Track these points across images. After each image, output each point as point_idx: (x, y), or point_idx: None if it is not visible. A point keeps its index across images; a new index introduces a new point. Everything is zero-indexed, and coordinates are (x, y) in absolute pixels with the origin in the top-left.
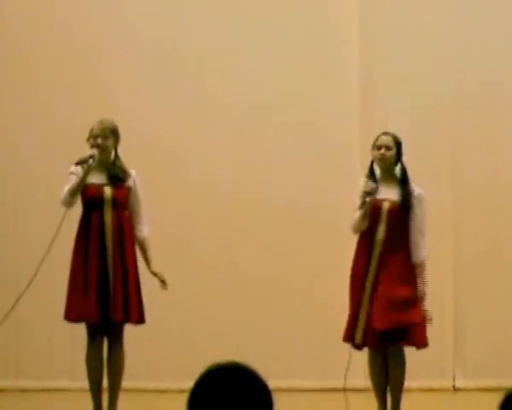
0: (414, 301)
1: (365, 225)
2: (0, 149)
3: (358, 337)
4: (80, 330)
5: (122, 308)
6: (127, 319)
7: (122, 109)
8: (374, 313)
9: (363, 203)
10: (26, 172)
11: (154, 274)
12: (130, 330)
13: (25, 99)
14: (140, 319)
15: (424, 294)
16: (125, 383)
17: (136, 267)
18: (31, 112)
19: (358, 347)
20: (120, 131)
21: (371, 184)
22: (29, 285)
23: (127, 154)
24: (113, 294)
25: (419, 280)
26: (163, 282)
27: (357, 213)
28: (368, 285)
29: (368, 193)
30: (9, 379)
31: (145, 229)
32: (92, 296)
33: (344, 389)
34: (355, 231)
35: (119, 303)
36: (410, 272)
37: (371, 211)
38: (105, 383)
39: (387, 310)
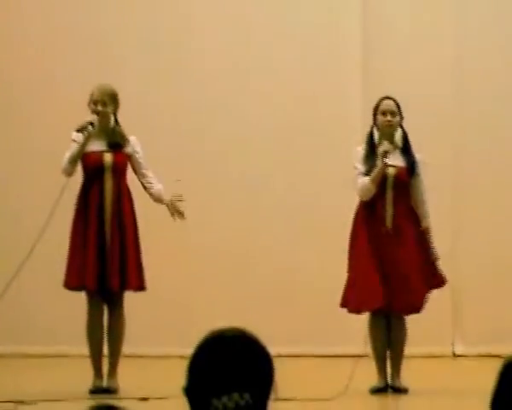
0: (428, 267)
1: (375, 189)
2: (5, 120)
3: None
4: (81, 297)
5: (119, 276)
6: (125, 287)
7: (123, 75)
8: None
9: (383, 164)
10: (26, 140)
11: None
12: (130, 297)
13: (25, 68)
14: (140, 287)
15: (437, 254)
16: (126, 349)
17: (135, 234)
18: (31, 80)
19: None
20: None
21: (388, 145)
22: (30, 254)
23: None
24: (110, 261)
25: (431, 243)
26: (179, 213)
27: (365, 179)
28: (383, 252)
29: (387, 152)
30: (11, 345)
31: (157, 183)
32: (91, 264)
33: (339, 356)
34: (364, 196)
35: (115, 271)
36: (421, 236)
37: None
38: (105, 349)
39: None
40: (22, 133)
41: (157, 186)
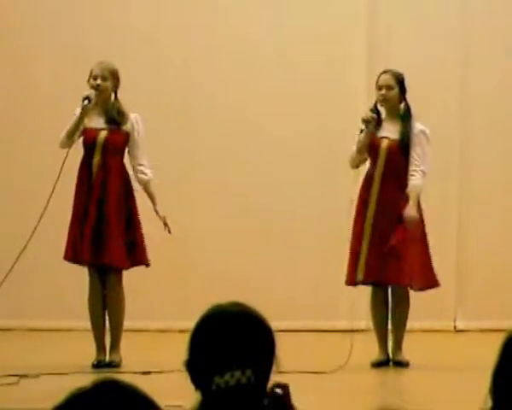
0: (416, 240)
1: (361, 159)
2: (6, 99)
3: (360, 274)
4: (85, 271)
5: (118, 252)
6: (131, 263)
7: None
8: (384, 263)
9: (361, 132)
10: (29, 119)
11: (158, 215)
12: (131, 271)
13: (32, 46)
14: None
15: (411, 219)
16: (127, 323)
17: (120, 212)
18: (37, 60)
19: (359, 283)
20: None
21: (371, 114)
22: (34, 230)
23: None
24: (86, 237)
25: (411, 204)
26: (166, 224)
27: (353, 148)
28: (367, 226)
29: (366, 121)
30: (18, 319)
31: (148, 171)
32: (83, 239)
33: (348, 331)
34: (351, 165)
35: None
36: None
37: (370, 149)
38: (107, 324)
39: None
40: (26, 113)
41: (147, 177)
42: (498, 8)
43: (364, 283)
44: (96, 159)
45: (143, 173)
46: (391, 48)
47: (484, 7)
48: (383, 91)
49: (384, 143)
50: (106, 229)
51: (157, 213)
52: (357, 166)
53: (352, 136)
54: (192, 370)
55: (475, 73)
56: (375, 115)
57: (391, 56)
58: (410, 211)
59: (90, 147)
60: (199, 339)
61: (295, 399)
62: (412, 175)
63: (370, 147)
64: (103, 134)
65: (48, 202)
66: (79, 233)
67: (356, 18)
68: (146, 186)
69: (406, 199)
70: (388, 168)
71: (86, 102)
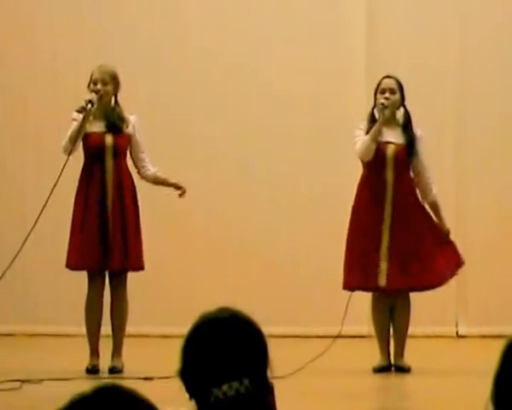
0: (436, 243)
1: (374, 149)
2: (7, 101)
3: (383, 280)
4: (86, 276)
5: (120, 256)
6: (126, 267)
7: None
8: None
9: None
10: (29, 122)
11: (178, 187)
12: (134, 276)
13: (29, 50)
14: (139, 266)
15: (448, 229)
16: (129, 328)
17: (136, 215)
18: (36, 62)
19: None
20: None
21: (385, 100)
22: (31, 232)
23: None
24: (112, 242)
25: (440, 217)
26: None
27: (364, 137)
28: (385, 231)
29: (384, 106)
30: (18, 325)
31: (152, 167)
32: (93, 245)
33: (342, 336)
34: (368, 155)
35: (117, 251)
36: (424, 214)
37: (376, 155)
38: (109, 329)
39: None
40: (24, 115)
41: (153, 169)
42: (496, 14)
43: (386, 290)
44: (110, 162)
45: (149, 170)
46: (390, 52)
47: (481, 13)
48: (387, 94)
49: (391, 149)
50: (128, 231)
51: (176, 184)
52: (369, 159)
53: (351, 130)
54: (186, 380)
55: (472, 78)
56: (389, 101)
57: (390, 62)
58: (445, 227)
59: (97, 151)
60: (192, 349)
61: (296, 401)
62: (430, 185)
63: (376, 153)
64: (110, 138)
65: (43, 208)
66: (94, 239)
67: (354, 20)
68: (155, 177)
69: (419, 202)
70: (398, 173)
71: (89, 105)
